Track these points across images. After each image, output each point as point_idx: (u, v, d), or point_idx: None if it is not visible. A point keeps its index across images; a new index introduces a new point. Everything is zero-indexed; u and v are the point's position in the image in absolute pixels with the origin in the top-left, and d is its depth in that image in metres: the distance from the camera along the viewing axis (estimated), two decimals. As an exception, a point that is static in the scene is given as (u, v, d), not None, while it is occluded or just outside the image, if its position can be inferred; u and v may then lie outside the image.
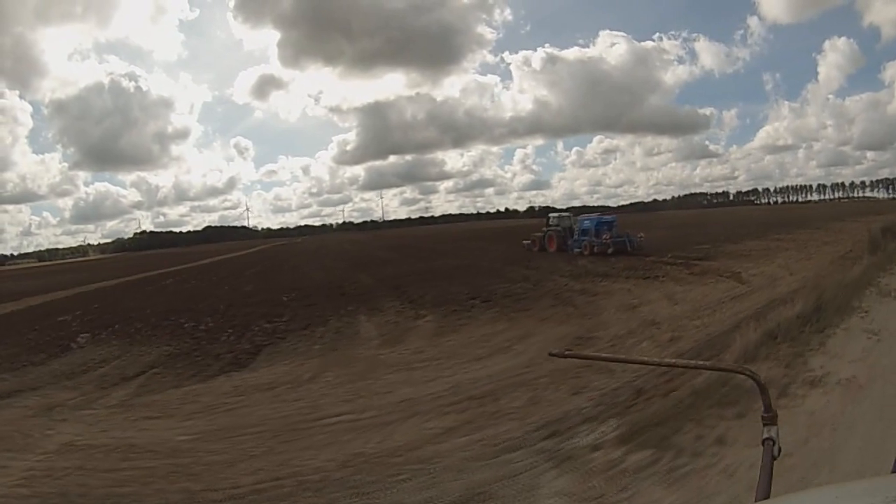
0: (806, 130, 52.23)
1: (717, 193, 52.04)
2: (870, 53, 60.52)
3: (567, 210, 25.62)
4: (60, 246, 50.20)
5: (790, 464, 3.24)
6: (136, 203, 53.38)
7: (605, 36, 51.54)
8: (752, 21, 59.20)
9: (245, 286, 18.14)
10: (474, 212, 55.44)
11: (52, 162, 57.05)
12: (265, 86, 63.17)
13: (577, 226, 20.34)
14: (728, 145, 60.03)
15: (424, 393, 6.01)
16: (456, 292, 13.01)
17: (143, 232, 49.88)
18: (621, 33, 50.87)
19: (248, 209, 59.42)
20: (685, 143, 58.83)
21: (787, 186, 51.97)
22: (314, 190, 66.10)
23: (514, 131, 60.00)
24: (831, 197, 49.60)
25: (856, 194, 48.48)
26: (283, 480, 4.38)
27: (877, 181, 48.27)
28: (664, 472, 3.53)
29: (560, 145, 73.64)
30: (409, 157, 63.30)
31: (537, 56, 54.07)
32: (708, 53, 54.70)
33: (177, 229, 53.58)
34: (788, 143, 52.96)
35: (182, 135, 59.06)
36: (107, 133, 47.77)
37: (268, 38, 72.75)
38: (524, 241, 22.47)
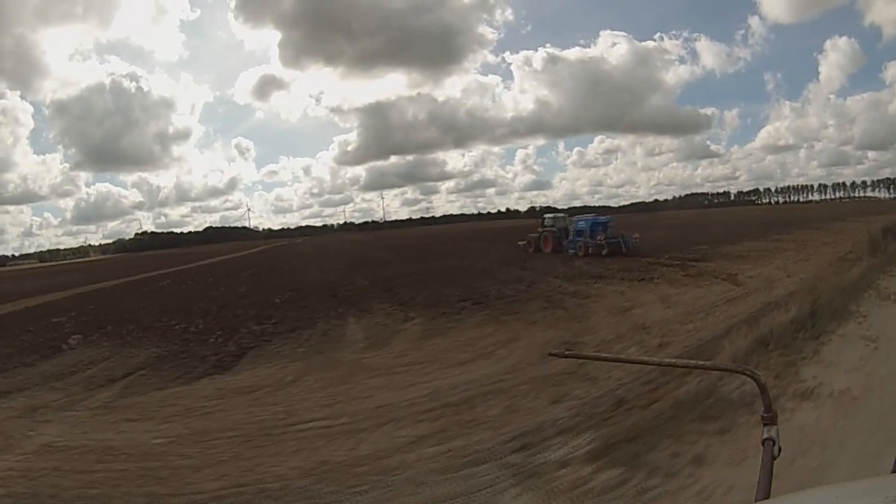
0: (807, 130, 51.74)
1: (718, 193, 51.70)
2: (871, 53, 59.79)
3: (564, 210, 25.49)
4: (62, 246, 50.56)
5: (774, 486, 3.10)
6: (138, 203, 53.58)
7: (606, 36, 51.25)
8: (754, 21, 58.77)
9: (240, 287, 18.16)
10: (475, 212, 55.33)
11: (53, 162, 57.26)
12: (266, 86, 63.49)
13: (572, 226, 20.19)
14: (729, 145, 59.59)
15: (402, 399, 5.93)
16: (448, 294, 12.92)
17: (145, 232, 50.17)
18: (622, 33, 50.53)
19: (249, 210, 59.66)
20: (686, 143, 58.37)
21: (789, 186, 51.59)
22: (315, 190, 66.20)
23: (516, 131, 59.85)
24: (832, 197, 49.20)
25: (857, 194, 48.08)
26: (245, 487, 4.35)
27: (878, 181, 47.81)
28: (632, 494, 3.35)
29: (561, 145, 73.34)
30: (410, 158, 63.36)
31: (538, 56, 53.87)
32: (709, 53, 54.37)
33: (178, 230, 53.80)
34: (790, 142, 52.46)
35: (183, 135, 59.27)
36: (108, 133, 48.10)
37: (269, 38, 73.12)
38: (520, 242, 22.35)
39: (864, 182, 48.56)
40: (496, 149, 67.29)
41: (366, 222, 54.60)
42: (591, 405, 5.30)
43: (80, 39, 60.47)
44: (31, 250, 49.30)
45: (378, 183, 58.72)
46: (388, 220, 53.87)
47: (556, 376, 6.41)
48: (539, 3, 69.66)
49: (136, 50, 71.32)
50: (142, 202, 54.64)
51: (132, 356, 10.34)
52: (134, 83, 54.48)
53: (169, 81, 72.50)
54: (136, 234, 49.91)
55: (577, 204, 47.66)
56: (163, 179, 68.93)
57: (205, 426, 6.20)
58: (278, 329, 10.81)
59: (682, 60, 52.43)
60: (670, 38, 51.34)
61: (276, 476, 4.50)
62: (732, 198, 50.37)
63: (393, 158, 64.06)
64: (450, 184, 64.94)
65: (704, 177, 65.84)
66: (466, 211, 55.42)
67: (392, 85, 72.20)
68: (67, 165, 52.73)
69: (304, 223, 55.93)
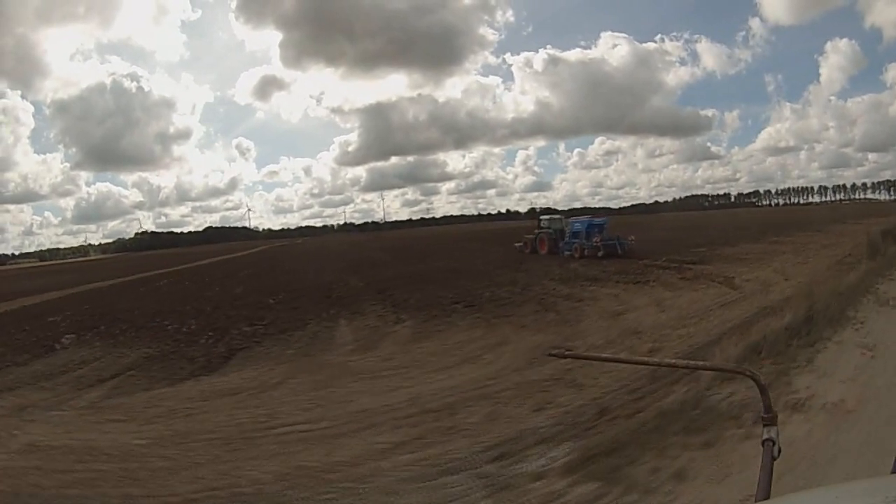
0: (808, 132, 51.24)
1: (718, 195, 51.51)
2: (871, 55, 59.32)
3: (561, 212, 25.38)
4: (62, 246, 50.71)
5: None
6: (138, 203, 53.60)
7: (606, 37, 51.01)
8: (754, 22, 58.37)
9: (236, 288, 18.16)
10: (476, 213, 55.21)
11: (53, 162, 57.47)
12: (267, 86, 63.34)
13: (568, 228, 20.09)
14: (730, 147, 58.97)
15: (383, 404, 5.87)
16: (441, 296, 12.85)
17: (145, 232, 50.25)
18: (623, 35, 50.24)
19: (249, 210, 59.72)
20: (687, 145, 58.10)
21: (789, 188, 51.37)
22: (316, 191, 66.14)
23: (516, 133, 59.61)
24: (833, 199, 48.96)
25: (857, 196, 47.86)
26: (218, 491, 4.32)
27: (878, 183, 47.57)
28: (607, 510, 3.22)
29: (562, 147, 73.20)
30: (410, 159, 63.28)
31: (539, 57, 53.63)
32: (710, 55, 53.86)
33: (178, 230, 53.84)
34: (790, 144, 52.01)
35: (184, 135, 59.20)
36: (109, 133, 48.23)
37: (270, 38, 73.19)
38: (516, 244, 22.26)
39: (864, 184, 48.42)
40: (497, 150, 67.05)
41: (366, 223, 54.62)
42: (575, 414, 5.21)
43: (82, 39, 60.72)
44: (32, 249, 49.52)
45: (378, 184, 58.63)
46: (388, 220, 53.88)
47: (542, 382, 6.33)
48: (540, 4, 69.64)
49: (137, 50, 71.68)
50: (142, 202, 54.70)
51: (123, 356, 10.33)
52: (135, 83, 54.59)
53: (170, 81, 72.78)
54: (137, 234, 50.08)
55: (578, 205, 47.58)
56: (163, 179, 69.13)
57: (187, 428, 6.18)
58: (269, 330, 10.78)
59: (682, 62, 52.30)
60: (671, 40, 51.16)
61: (250, 480, 4.47)
62: (733, 199, 50.25)
63: (393, 159, 64.13)
64: (450, 185, 64.90)
65: (705, 178, 65.43)
66: (467, 212, 55.38)
67: (393, 86, 72.23)
68: (68, 165, 52.91)
69: (304, 224, 55.97)
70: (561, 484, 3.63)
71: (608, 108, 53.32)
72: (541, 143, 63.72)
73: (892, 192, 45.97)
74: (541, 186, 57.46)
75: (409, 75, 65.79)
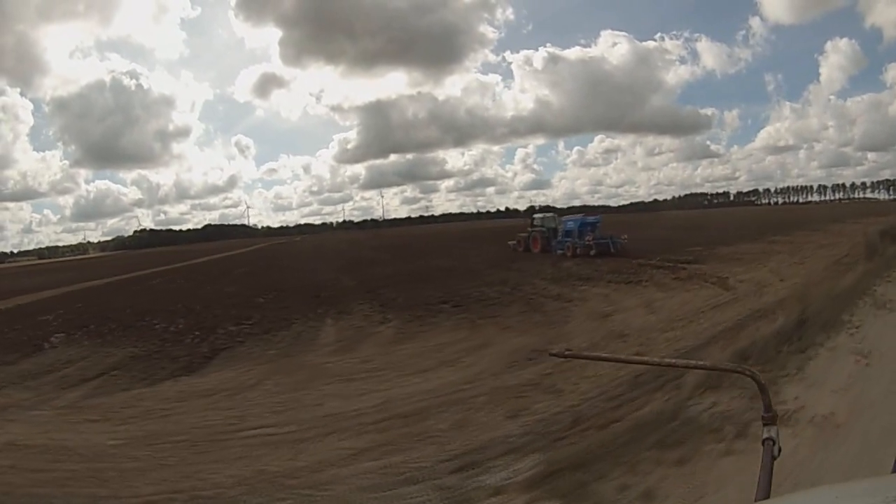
0: (807, 131, 50.60)
1: (717, 194, 51.08)
2: (872, 55, 58.32)
3: (555, 210, 25.16)
4: (61, 243, 50.68)
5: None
6: (137, 201, 53.57)
7: (606, 36, 50.38)
8: (754, 21, 57.51)
9: (229, 286, 18.13)
10: (475, 211, 54.98)
11: (52, 159, 57.23)
12: (266, 84, 63.12)
13: (561, 227, 19.92)
14: (729, 146, 58.50)
15: (352, 408, 5.79)
16: (429, 296, 12.75)
17: (144, 230, 50.16)
18: (623, 33, 49.52)
19: (248, 207, 59.69)
20: (686, 144, 57.49)
21: (788, 187, 50.87)
22: (315, 188, 65.92)
23: (516, 131, 59.15)
24: (832, 198, 48.43)
25: (857, 195, 47.27)
26: (179, 494, 4.32)
27: (878, 182, 46.95)
28: (564, 532, 3.05)
29: (561, 145, 72.48)
30: (410, 156, 62.98)
31: (539, 56, 53.12)
32: (710, 54, 53.26)
33: (177, 227, 53.67)
34: (790, 143, 51.38)
35: (183, 133, 59.06)
36: (108, 131, 48.15)
37: (269, 36, 72.63)
38: (510, 242, 22.11)
39: (863, 183, 47.87)
40: (496, 148, 66.67)
41: (365, 220, 54.46)
42: (548, 422, 5.06)
43: (81, 37, 60.49)
44: (31, 247, 49.55)
45: (378, 181, 58.41)
46: (387, 218, 53.71)
47: (520, 387, 6.22)
48: (540, 2, 68.78)
49: (137, 48, 71.38)
50: (141, 199, 54.51)
51: (109, 356, 10.33)
52: (134, 81, 54.44)
53: (169, 79, 72.38)
54: (136, 232, 50.04)
55: (577, 203, 47.17)
56: (162, 177, 68.94)
57: (160, 429, 6.17)
58: (254, 330, 10.74)
59: (682, 61, 51.51)
60: (671, 39, 50.34)
61: (211, 484, 4.44)
62: (732, 198, 49.84)
63: (393, 157, 63.78)
64: (449, 182, 64.53)
65: (704, 177, 64.88)
66: (466, 210, 55.07)
67: (393, 84, 71.69)
68: (67, 162, 52.82)
69: (303, 221, 55.83)
70: (520, 500, 3.49)
71: (608, 107, 52.76)
72: (540, 141, 63.09)
73: (891, 192, 45.45)
74: (540, 184, 57.22)
75: (408, 73, 65.42)
